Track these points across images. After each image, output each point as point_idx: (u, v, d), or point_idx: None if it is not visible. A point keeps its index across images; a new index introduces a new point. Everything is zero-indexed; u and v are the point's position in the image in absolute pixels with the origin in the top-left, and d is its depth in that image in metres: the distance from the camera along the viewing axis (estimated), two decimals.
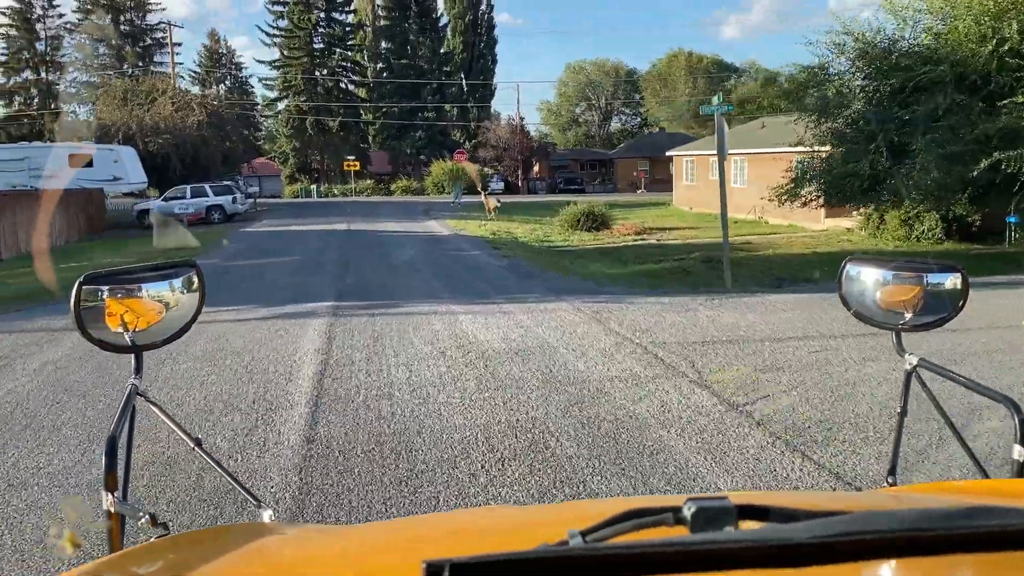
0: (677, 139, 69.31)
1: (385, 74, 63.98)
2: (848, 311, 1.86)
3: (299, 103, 60.57)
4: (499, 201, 33.60)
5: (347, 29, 62.87)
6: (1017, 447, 1.43)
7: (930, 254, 16.16)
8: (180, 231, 25.45)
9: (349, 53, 63.69)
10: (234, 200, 32.17)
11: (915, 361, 1.70)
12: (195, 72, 76.76)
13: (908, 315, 1.73)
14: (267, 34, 61.68)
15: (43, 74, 59.91)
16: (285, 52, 61.88)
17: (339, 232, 25.58)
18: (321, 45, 62.25)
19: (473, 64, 68.59)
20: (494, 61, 73.67)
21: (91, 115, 39.79)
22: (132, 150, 32.92)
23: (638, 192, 55.89)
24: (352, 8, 63.63)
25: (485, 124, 63.89)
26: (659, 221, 29.23)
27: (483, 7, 71.51)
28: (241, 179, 67.27)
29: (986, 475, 1.73)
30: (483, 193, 33.80)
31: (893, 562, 0.68)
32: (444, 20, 66.93)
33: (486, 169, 59.06)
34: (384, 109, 62.30)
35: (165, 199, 31.80)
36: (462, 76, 67.64)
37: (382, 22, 64.78)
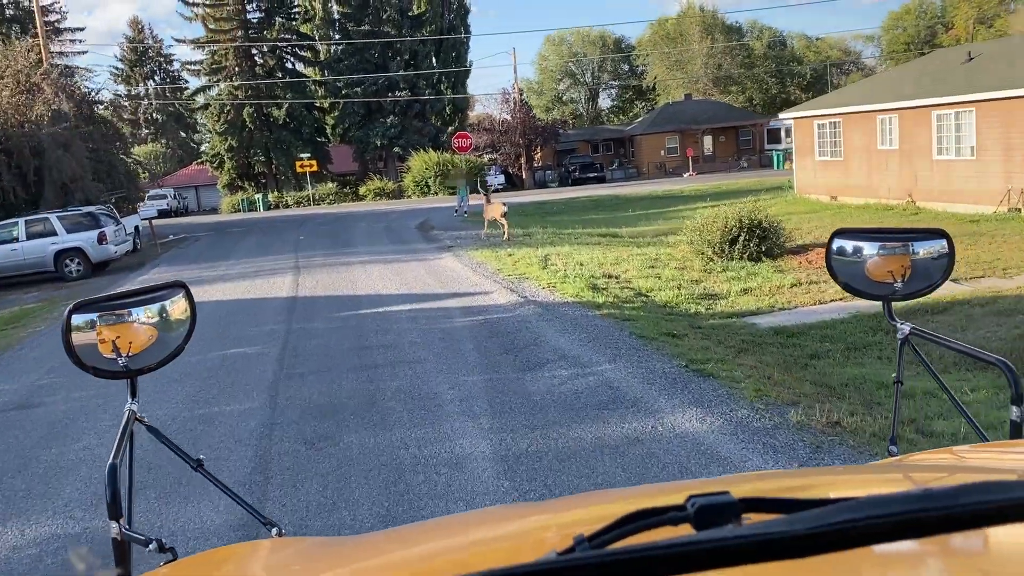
0: (707, 107, 56.62)
1: (342, 48, 50.38)
2: (837, 283, 1.86)
3: (233, 89, 46.91)
4: (505, 205, 20.51)
5: None
6: (1013, 408, 1.54)
7: None
8: None
9: (294, 23, 50.06)
10: (102, 239, 18.83)
11: (907, 329, 1.75)
12: (117, 69, 63.17)
13: (898, 284, 1.76)
14: (186, 3, 47.79)
15: None
16: (211, 25, 48.13)
17: (272, 314, 12.47)
18: (258, 14, 48.61)
19: (443, 40, 55.38)
20: (467, 32, 60.71)
21: None
22: None
23: (687, 175, 43.00)
24: None
25: (476, 100, 50.68)
26: (830, 226, 16.33)
27: None
28: (171, 194, 53.71)
29: (985, 438, 1.71)
30: (484, 196, 20.67)
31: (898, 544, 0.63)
32: None
33: (483, 158, 45.88)
34: (344, 91, 48.76)
35: None
36: (434, 49, 54.37)
37: None
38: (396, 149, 48.91)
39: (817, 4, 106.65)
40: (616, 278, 12.73)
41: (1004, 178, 16.73)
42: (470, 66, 60.89)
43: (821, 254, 13.71)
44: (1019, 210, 16.43)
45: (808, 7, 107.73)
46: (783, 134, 50.17)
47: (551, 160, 53.15)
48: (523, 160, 47.74)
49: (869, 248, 1.79)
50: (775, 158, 42.79)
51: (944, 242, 1.73)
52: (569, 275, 12.73)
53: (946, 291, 10.58)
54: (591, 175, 47.09)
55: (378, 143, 48.52)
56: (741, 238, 13.82)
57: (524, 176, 47.98)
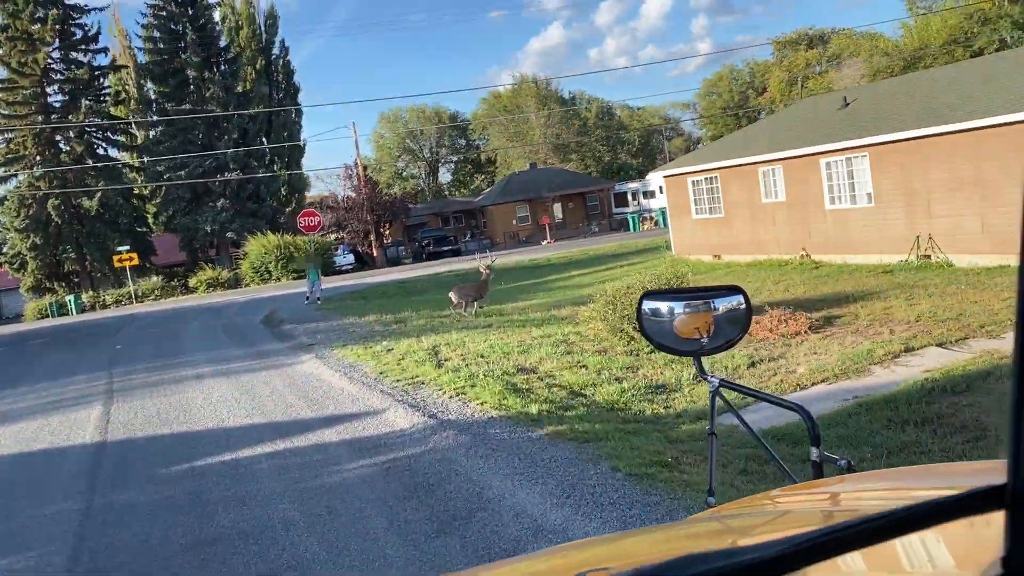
0: (553, 175, 56.19)
1: (161, 130, 45.93)
2: (651, 344, 1.97)
3: (34, 180, 41.37)
4: (490, 267, 17.58)
5: (96, 71, 44.50)
6: (813, 449, 1.65)
7: None
8: None
9: (104, 104, 45.25)
10: None
11: (717, 382, 1.91)
12: None
13: (704, 339, 1.86)
14: None
15: None
16: (4, 111, 42.58)
17: (66, 479, 8.93)
18: (61, 97, 43.54)
19: (273, 119, 52.25)
20: (299, 114, 58.00)
21: None
22: None
23: (544, 243, 41.53)
24: (100, 46, 45.42)
25: (317, 178, 47.72)
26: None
27: (276, 51, 55.84)
28: None
29: (793, 479, 1.81)
30: (482, 265, 17.62)
31: None
32: (231, 51, 50.02)
33: (328, 237, 42.64)
34: (167, 175, 44.23)
35: None
36: (265, 128, 51.01)
37: (147, 56, 46.89)
38: (229, 234, 44.64)
39: (636, 77, 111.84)
40: (534, 372, 10.11)
41: (908, 224, 15.71)
42: (304, 144, 57.97)
43: (765, 324, 11.75)
44: (928, 257, 15.38)
45: (627, 81, 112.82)
46: (630, 197, 50.21)
47: (401, 236, 50.57)
48: (373, 237, 44.83)
49: (676, 307, 1.90)
50: (631, 220, 42.22)
51: (741, 297, 1.87)
52: (476, 374, 10.00)
53: (945, 360, 8.72)
54: (446, 248, 44.84)
55: (208, 229, 44.09)
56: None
57: (375, 254, 45.00)
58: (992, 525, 0.58)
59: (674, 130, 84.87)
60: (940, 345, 9.33)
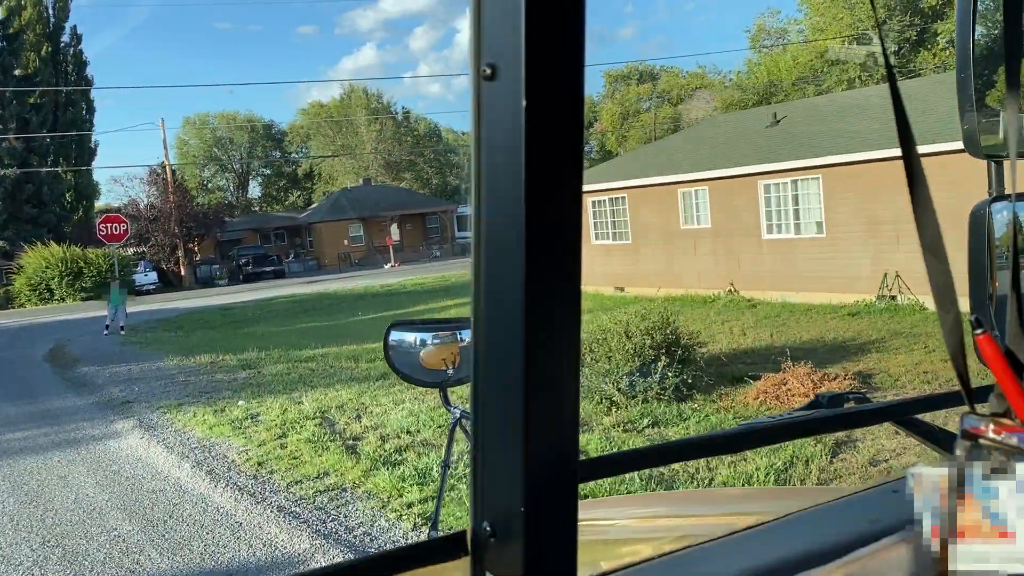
0: (389, 193, 52.30)
1: None
2: (398, 376, 2.04)
3: None
4: None
5: None
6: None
7: None
8: None
9: None
10: None
11: (459, 413, 2.00)
12: None
13: (450, 371, 1.91)
14: None
15: None
16: None
17: None
18: None
19: (59, 114, 44.74)
20: (90, 110, 50.47)
21: None
22: None
23: (388, 267, 37.46)
24: None
25: (116, 182, 41.17)
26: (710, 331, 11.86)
27: (66, 38, 48.26)
28: None
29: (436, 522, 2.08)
30: None
31: None
32: (10, 26, 42.22)
33: (126, 251, 36.29)
34: None
35: None
36: (51, 121, 43.37)
37: None
38: (0, 243, 36.94)
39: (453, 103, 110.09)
40: None
41: (871, 258, 13.69)
42: (96, 146, 50.47)
43: (796, 386, 8.90)
44: (894, 298, 13.40)
45: (441, 106, 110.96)
46: None
47: (213, 253, 44.57)
48: (181, 253, 38.78)
49: (423, 338, 1.95)
50: None
51: None
52: (425, 470, 6.33)
53: None
54: (268, 269, 39.67)
55: None
56: (660, 365, 8.55)
57: (183, 272, 38.95)
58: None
59: None
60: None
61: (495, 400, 0.55)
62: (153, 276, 37.35)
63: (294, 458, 7.15)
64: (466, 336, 1.85)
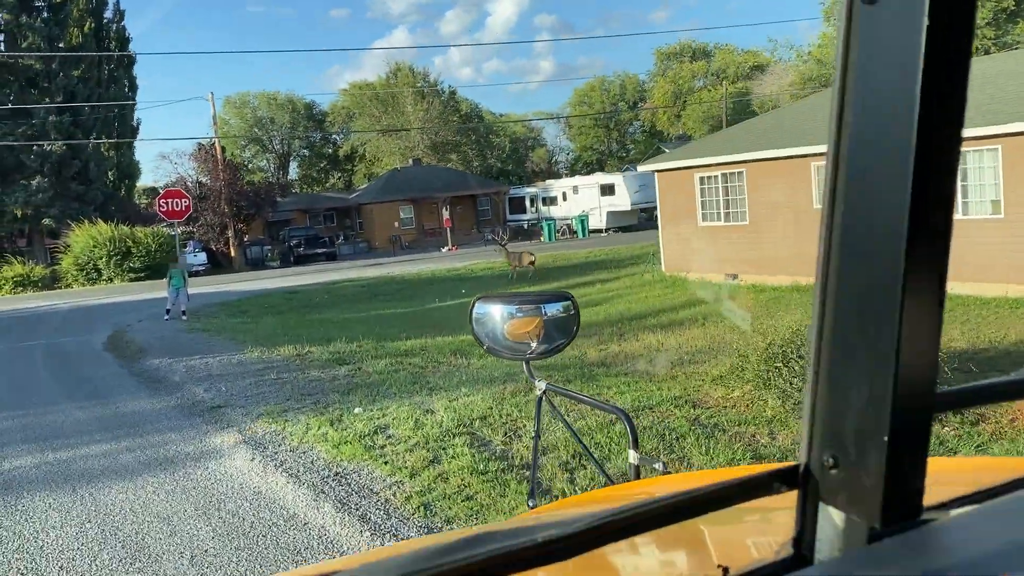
0: (441, 173, 50.48)
1: None
2: (481, 348, 1.93)
3: None
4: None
5: None
6: (632, 452, 1.66)
7: None
8: None
9: None
10: None
11: (544, 386, 1.91)
12: None
13: (534, 344, 1.85)
14: None
15: None
16: None
17: None
18: None
19: (102, 91, 43.38)
20: (132, 88, 49.04)
21: None
22: None
23: (445, 250, 35.72)
24: None
25: (165, 158, 40.00)
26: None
27: (109, 14, 46.84)
28: None
29: (612, 481, 1.87)
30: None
31: None
32: None
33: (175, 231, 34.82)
34: None
35: None
36: (96, 93, 42.06)
37: None
38: (47, 221, 35.80)
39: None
40: None
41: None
42: (138, 124, 49.32)
43: None
44: None
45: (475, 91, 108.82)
46: (528, 203, 45.38)
47: (262, 233, 43.19)
48: (231, 233, 37.39)
49: (508, 311, 1.86)
50: (547, 229, 37.21)
51: (569, 302, 1.87)
52: None
53: None
54: (320, 251, 38.14)
55: (18, 213, 35.05)
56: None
57: (233, 254, 37.57)
58: (790, 511, 0.60)
59: (536, 140, 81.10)
60: None
61: (853, 332, 0.53)
62: (203, 257, 36.03)
63: (467, 498, 5.38)
64: (550, 310, 1.83)
